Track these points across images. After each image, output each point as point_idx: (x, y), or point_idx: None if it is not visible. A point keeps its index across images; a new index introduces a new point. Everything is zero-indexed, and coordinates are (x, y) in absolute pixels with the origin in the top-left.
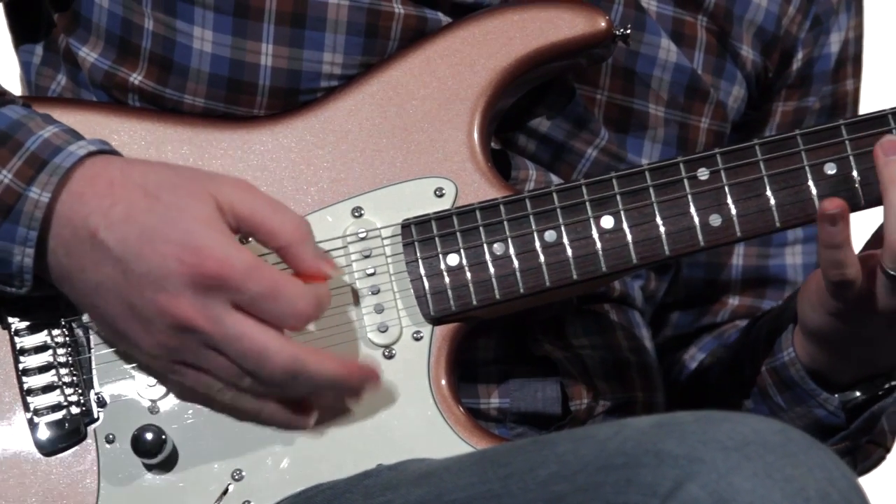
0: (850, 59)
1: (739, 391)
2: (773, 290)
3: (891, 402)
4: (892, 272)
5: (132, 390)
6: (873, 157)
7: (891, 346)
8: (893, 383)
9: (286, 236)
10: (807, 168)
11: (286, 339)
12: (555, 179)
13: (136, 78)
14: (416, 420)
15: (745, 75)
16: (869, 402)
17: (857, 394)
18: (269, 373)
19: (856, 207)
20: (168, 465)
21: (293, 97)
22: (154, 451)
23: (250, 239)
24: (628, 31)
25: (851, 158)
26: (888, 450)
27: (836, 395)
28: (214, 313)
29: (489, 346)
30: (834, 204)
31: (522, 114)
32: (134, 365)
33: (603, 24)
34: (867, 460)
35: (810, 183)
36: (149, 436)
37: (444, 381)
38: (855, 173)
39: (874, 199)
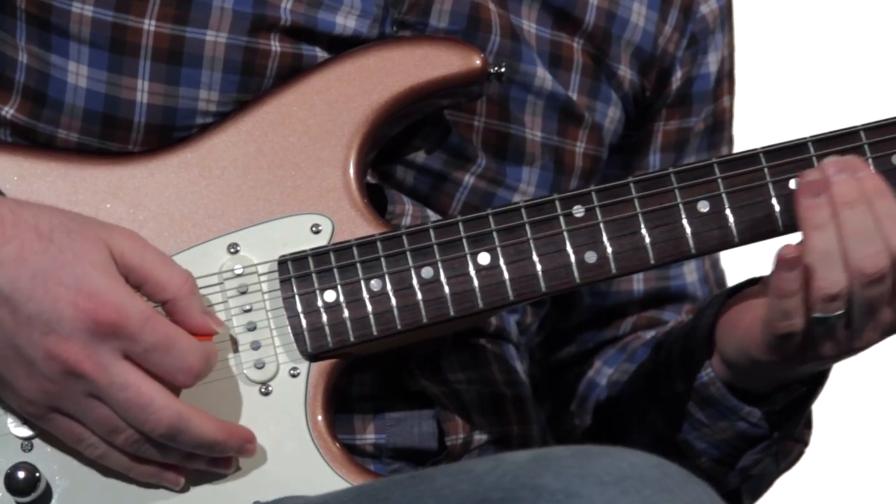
0: (726, 76)
1: (656, 410)
2: (674, 304)
3: (810, 404)
4: (818, 315)
5: (4, 428)
6: (795, 197)
7: (809, 367)
8: (806, 386)
9: (174, 290)
10: (680, 205)
11: (172, 395)
12: (431, 215)
13: (8, 111)
14: (292, 457)
15: (621, 96)
16: (787, 406)
17: (777, 405)
18: (151, 427)
19: (729, 245)
20: (42, 503)
21: (168, 133)
22: (27, 489)
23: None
24: (503, 70)
25: (724, 196)
26: (806, 444)
27: (758, 409)
28: (104, 360)
29: (365, 381)
30: (792, 249)
31: (399, 146)
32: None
33: (478, 62)
34: (788, 457)
35: (684, 220)
36: (21, 474)
37: (320, 418)
38: (728, 211)
39: (748, 237)
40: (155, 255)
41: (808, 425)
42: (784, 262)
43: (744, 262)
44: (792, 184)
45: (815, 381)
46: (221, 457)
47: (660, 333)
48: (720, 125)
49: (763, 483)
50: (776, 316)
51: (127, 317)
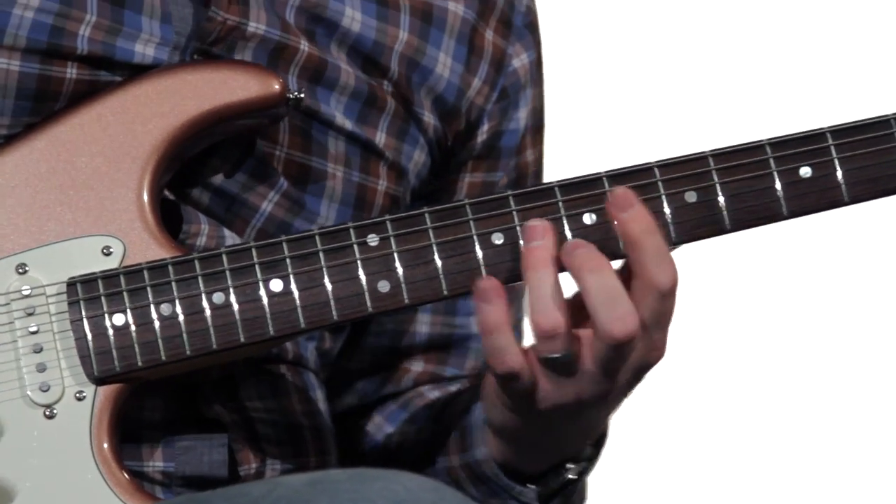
0: (531, 130)
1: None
2: (456, 358)
3: (580, 485)
4: (547, 356)
5: None
6: (523, 236)
7: (573, 434)
8: (579, 466)
9: None
10: (475, 237)
11: None
12: (227, 234)
13: None
14: (76, 483)
15: (426, 140)
16: (561, 487)
17: (551, 485)
18: None
19: (520, 277)
20: None
21: None
22: None
23: None
24: (302, 95)
25: (518, 229)
26: None
27: (532, 487)
28: None
29: (157, 406)
30: (489, 281)
31: (199, 165)
32: None
33: (276, 86)
34: None
35: (478, 251)
36: None
37: (106, 443)
38: (522, 243)
39: None
40: None
41: (581, 498)
42: (481, 294)
43: None
44: (586, 218)
45: (588, 460)
46: None
47: (443, 397)
48: (523, 179)
49: None
50: (489, 352)
51: None
